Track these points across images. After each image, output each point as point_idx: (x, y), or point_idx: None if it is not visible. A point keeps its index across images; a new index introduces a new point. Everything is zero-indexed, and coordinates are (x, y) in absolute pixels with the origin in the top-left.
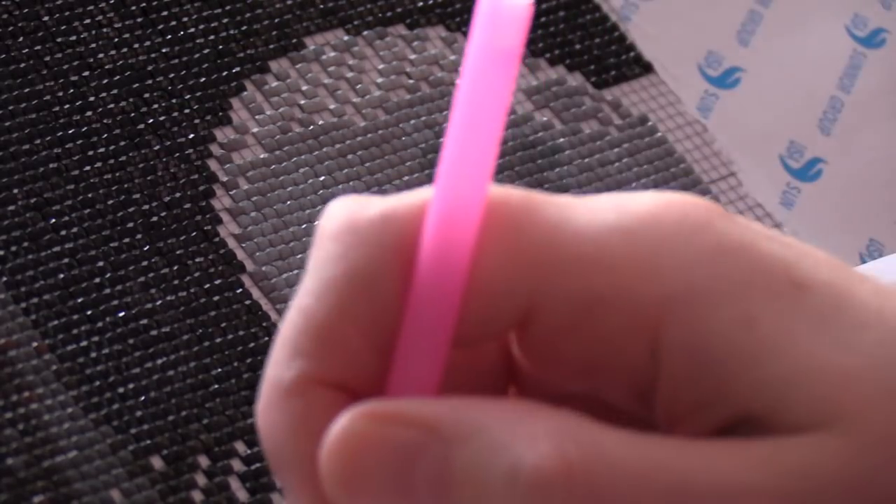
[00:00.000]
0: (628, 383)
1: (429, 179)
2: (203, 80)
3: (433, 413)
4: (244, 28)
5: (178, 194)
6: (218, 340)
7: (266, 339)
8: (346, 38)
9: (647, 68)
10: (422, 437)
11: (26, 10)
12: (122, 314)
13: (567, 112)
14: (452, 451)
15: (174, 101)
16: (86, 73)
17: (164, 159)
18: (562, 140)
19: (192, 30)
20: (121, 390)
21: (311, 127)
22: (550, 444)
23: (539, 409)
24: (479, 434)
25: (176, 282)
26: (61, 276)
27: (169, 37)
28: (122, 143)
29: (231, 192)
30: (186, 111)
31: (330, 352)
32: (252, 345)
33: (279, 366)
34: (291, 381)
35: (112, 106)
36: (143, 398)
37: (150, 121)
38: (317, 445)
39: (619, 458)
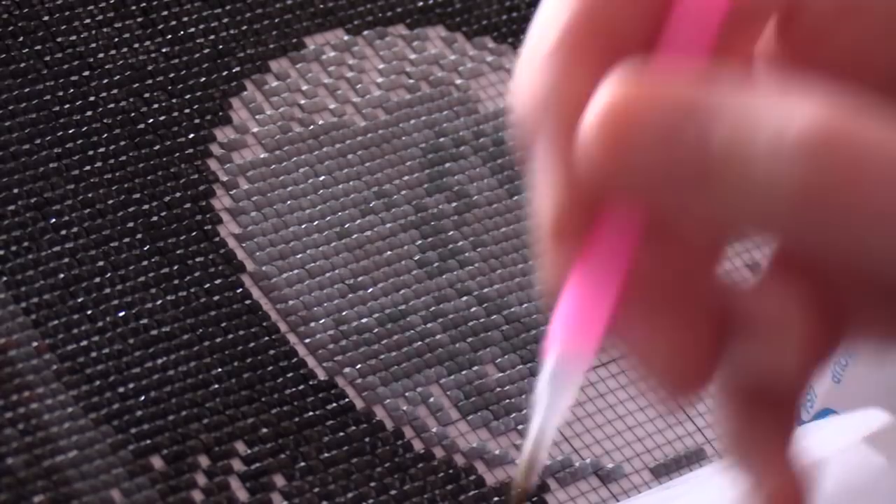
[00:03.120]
0: (887, 82)
1: (429, 179)
2: (203, 80)
3: (706, 73)
4: (244, 28)
5: (178, 194)
6: (218, 340)
7: (266, 338)
8: (346, 38)
9: None
10: (695, 96)
11: (26, 10)
12: (122, 314)
13: None
14: (721, 113)
15: (174, 101)
16: (86, 73)
17: (164, 159)
18: None
19: (192, 30)
20: (121, 390)
21: (311, 127)
22: (818, 110)
23: (803, 86)
24: (747, 99)
25: (176, 282)
26: (61, 276)
27: (169, 37)
28: (122, 143)
29: (231, 192)
30: (186, 111)
31: (598, 7)
32: (252, 345)
33: (541, 32)
34: (559, 37)
35: (112, 106)
36: (143, 398)
37: (150, 121)
38: (578, 106)
39: (883, 134)
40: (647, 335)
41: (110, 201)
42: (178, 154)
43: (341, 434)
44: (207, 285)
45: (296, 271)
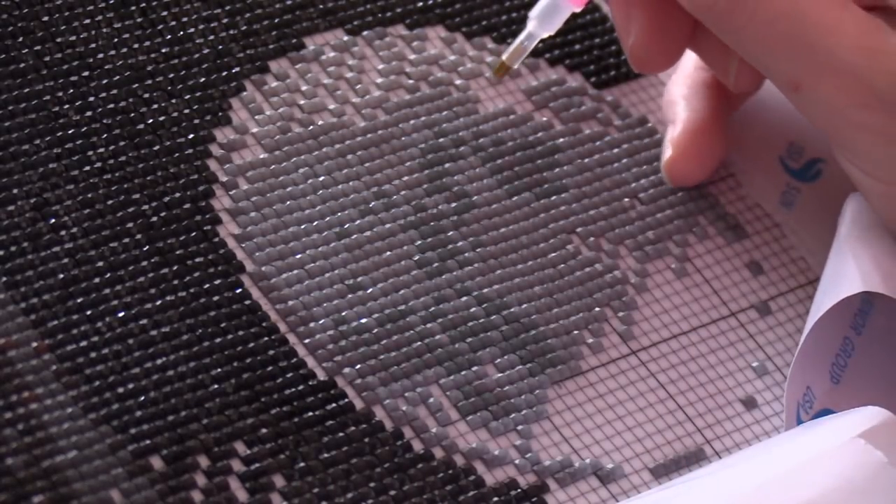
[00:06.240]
0: None
1: (428, 179)
2: (203, 80)
3: None
4: (244, 28)
5: (177, 194)
6: (218, 340)
7: (266, 338)
8: (346, 38)
9: None
10: None
11: (26, 10)
12: (122, 314)
13: (567, 112)
14: None
15: (174, 101)
16: (86, 73)
17: (164, 159)
18: (562, 140)
19: (192, 30)
20: (120, 390)
21: (311, 127)
22: None
23: None
24: None
25: (175, 282)
26: (61, 276)
27: (169, 37)
28: (122, 143)
29: (231, 192)
30: (186, 111)
31: None
32: (252, 345)
33: None
34: None
35: (112, 106)
36: (142, 398)
37: (150, 121)
38: None
39: None
40: (623, 14)
41: (110, 202)
42: (177, 154)
43: (341, 434)
44: (207, 285)
45: (295, 271)
